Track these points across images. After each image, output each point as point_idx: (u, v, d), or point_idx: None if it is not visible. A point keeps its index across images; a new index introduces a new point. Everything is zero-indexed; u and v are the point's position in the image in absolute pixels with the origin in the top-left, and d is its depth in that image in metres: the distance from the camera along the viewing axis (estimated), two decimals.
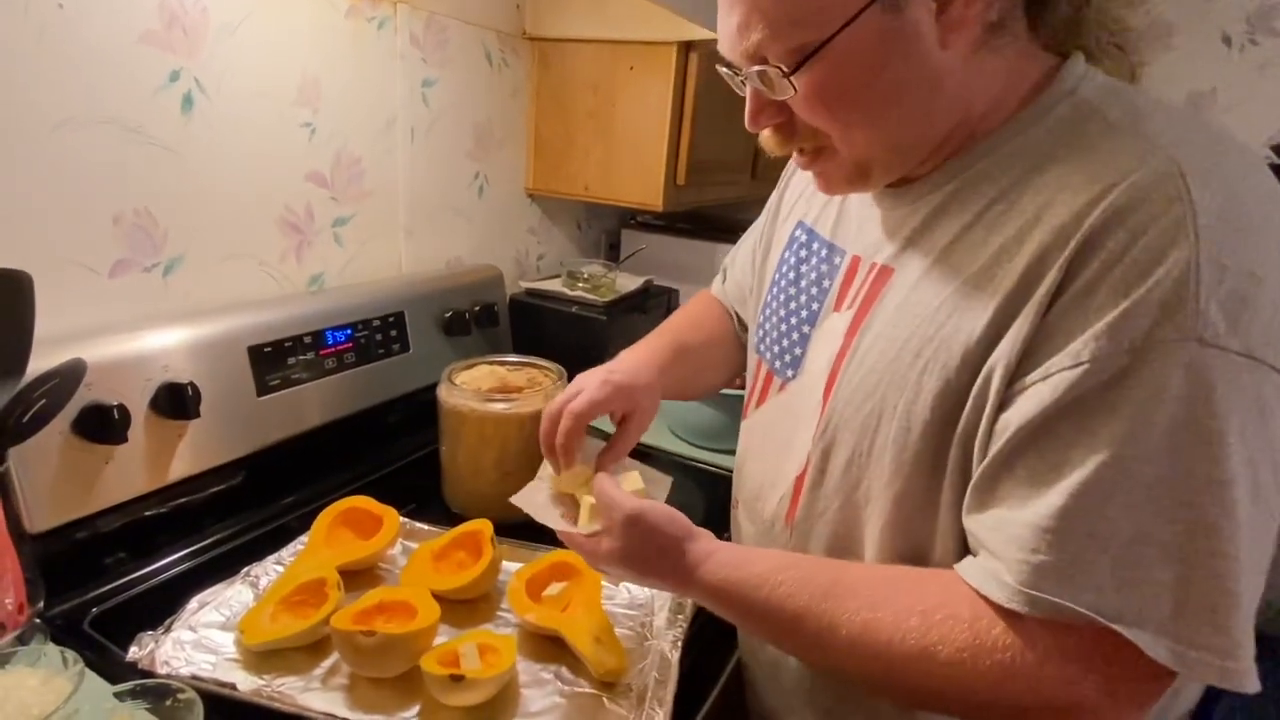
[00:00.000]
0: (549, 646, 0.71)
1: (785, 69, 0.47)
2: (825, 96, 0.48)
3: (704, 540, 0.57)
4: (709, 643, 0.76)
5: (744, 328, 0.85)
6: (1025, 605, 0.43)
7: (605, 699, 0.65)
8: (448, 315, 1.17)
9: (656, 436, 1.21)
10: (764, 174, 1.59)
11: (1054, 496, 0.43)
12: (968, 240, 0.50)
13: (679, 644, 0.71)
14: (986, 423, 0.47)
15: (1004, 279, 0.46)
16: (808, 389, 0.61)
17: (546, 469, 0.71)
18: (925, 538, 0.53)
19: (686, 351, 0.81)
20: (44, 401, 0.66)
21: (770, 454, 0.66)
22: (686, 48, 1.23)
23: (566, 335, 1.33)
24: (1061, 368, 0.43)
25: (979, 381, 0.47)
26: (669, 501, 0.63)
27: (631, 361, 0.75)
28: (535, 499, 0.68)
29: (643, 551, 0.58)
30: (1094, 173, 0.44)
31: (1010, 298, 0.46)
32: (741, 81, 0.52)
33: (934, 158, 0.53)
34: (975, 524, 0.48)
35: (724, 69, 0.54)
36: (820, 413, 0.59)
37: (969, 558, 0.49)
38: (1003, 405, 0.46)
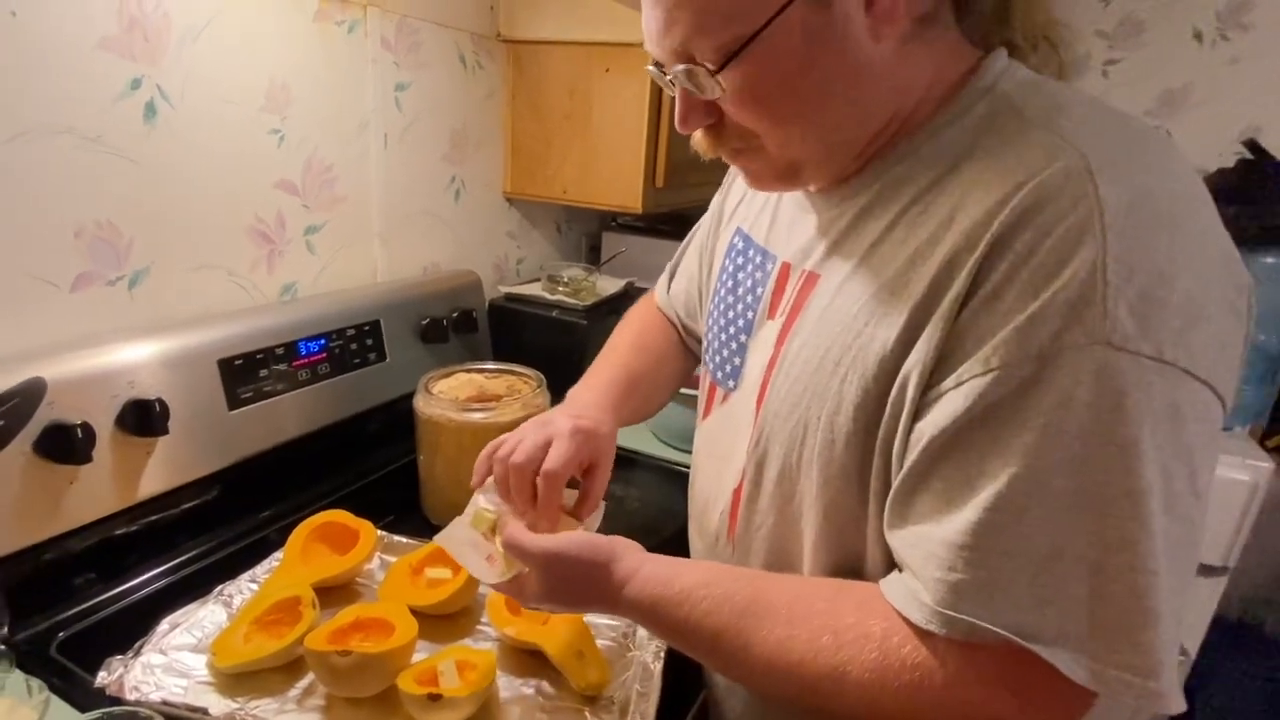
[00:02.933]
0: (530, 660, 0.70)
1: (711, 67, 0.45)
2: (754, 94, 0.46)
3: (629, 558, 0.55)
4: None
5: (691, 335, 0.83)
6: (942, 626, 0.42)
7: (587, 712, 0.64)
8: (425, 323, 1.15)
9: (637, 439, 1.20)
10: None
11: (969, 512, 0.41)
12: (888, 242, 0.49)
13: (661, 655, 0.70)
14: (903, 431, 0.45)
15: (917, 283, 0.45)
16: (745, 400, 0.60)
17: (473, 507, 0.66)
18: (857, 550, 0.52)
19: (637, 380, 0.78)
20: (2, 423, 0.64)
21: (713, 467, 0.65)
22: None
23: (547, 340, 1.32)
24: (972, 374, 0.42)
25: (894, 389, 0.46)
26: (602, 528, 0.63)
27: (590, 403, 0.72)
28: (458, 537, 0.64)
29: (568, 586, 0.56)
30: (1005, 171, 0.43)
31: (923, 302, 0.44)
32: (670, 81, 0.50)
33: (864, 156, 0.51)
34: (895, 540, 0.47)
35: (653, 69, 0.52)
36: (753, 424, 0.57)
37: (894, 574, 0.48)
38: (917, 413, 0.45)
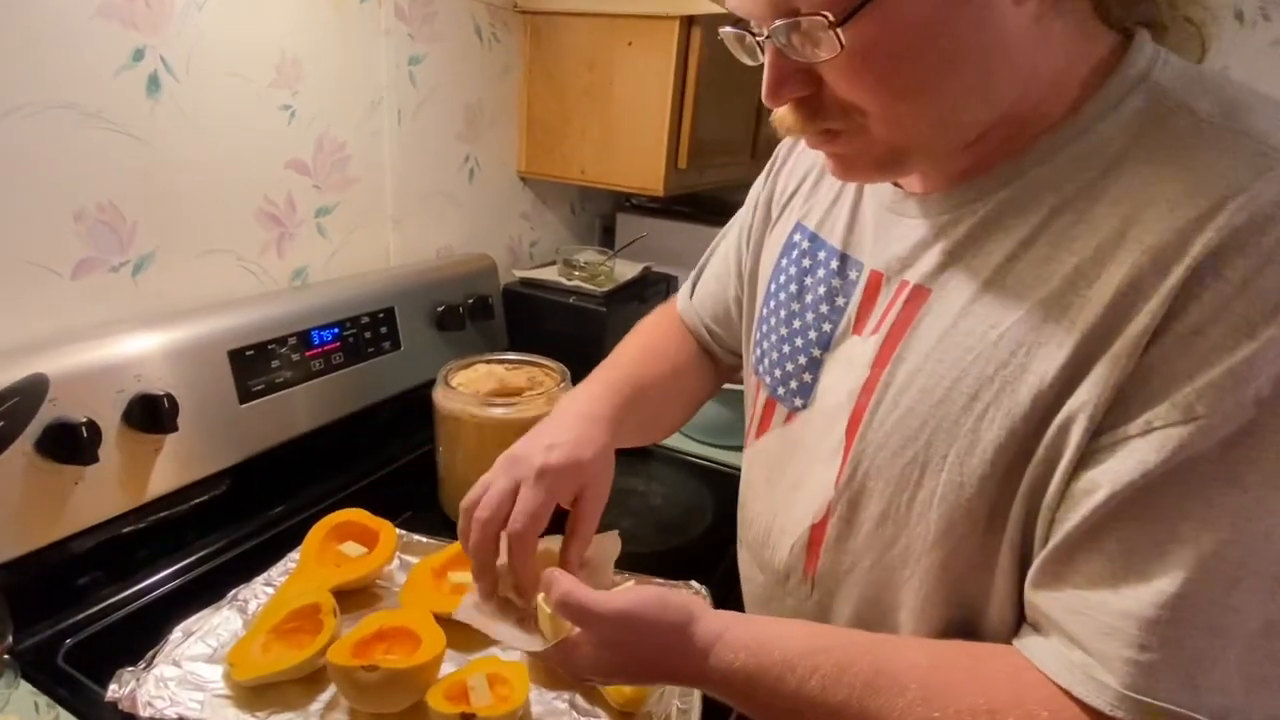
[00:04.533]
0: (562, 672, 0.66)
1: (831, 18, 0.37)
2: (874, 57, 0.39)
3: (708, 618, 0.48)
4: None
5: (720, 345, 0.75)
6: (1134, 713, 0.37)
7: None
8: (440, 309, 1.11)
9: None
10: (764, 153, 1.52)
11: (1163, 581, 0.36)
12: (1029, 259, 0.42)
13: None
14: (1061, 479, 0.40)
15: (1083, 309, 0.39)
16: (823, 423, 0.53)
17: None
18: (977, 605, 0.46)
19: (644, 389, 0.69)
20: (2, 423, 0.59)
21: (778, 494, 0.58)
22: (689, 22, 1.16)
23: (564, 327, 1.27)
24: (1167, 422, 0.36)
25: (1052, 430, 0.40)
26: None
27: (573, 423, 0.62)
28: (481, 608, 0.56)
29: (636, 654, 0.48)
30: (1193, 183, 0.38)
31: (1093, 332, 0.39)
32: (757, 44, 0.42)
33: (975, 151, 0.45)
34: (1047, 602, 0.41)
35: (731, 29, 0.44)
36: (843, 455, 0.51)
37: (1037, 639, 0.42)
38: (1083, 460, 0.39)
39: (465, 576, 0.74)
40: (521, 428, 0.87)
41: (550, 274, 1.35)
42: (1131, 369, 0.37)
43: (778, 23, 0.39)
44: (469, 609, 0.57)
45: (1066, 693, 0.39)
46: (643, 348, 0.74)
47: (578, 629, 0.50)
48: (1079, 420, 0.39)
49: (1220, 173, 0.37)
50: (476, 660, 0.65)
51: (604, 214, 1.66)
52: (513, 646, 0.54)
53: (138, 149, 0.78)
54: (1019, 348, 0.42)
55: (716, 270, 0.75)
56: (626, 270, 1.39)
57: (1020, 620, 0.44)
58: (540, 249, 1.49)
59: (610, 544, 0.59)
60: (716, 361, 0.78)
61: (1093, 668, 0.38)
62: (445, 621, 0.67)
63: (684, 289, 0.80)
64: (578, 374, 0.97)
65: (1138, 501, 0.37)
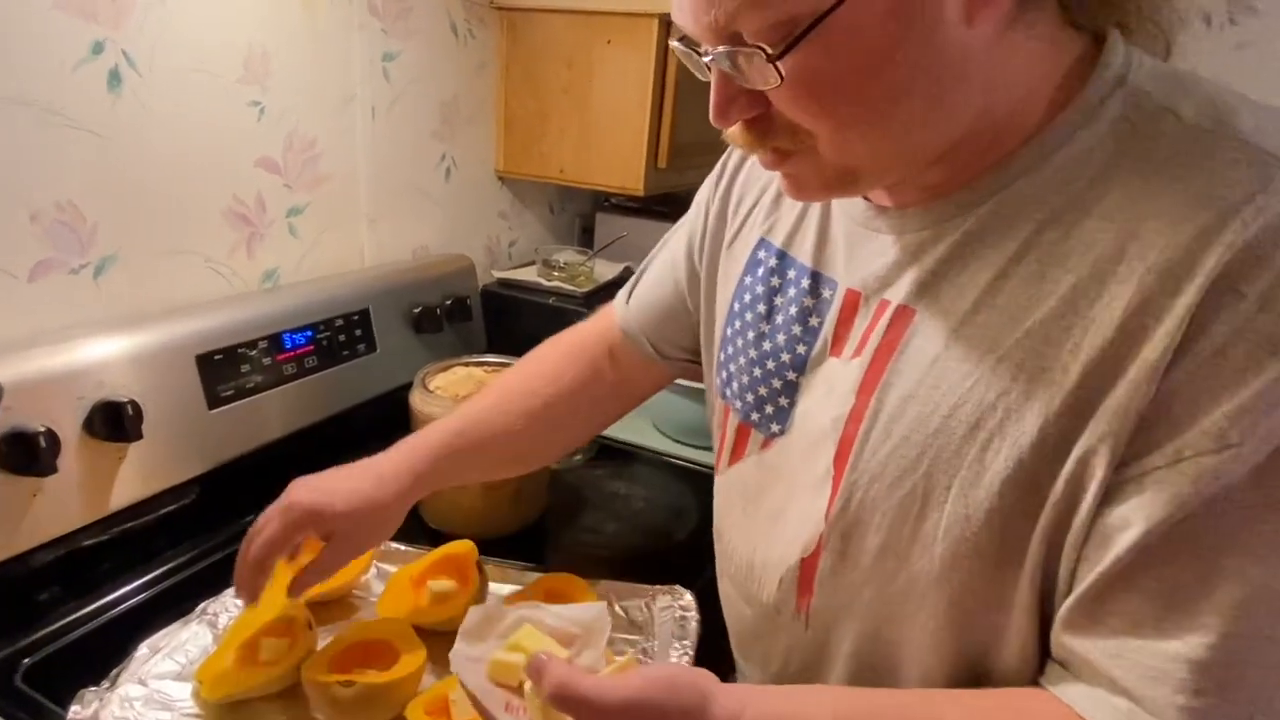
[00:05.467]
0: None
1: (768, 50, 0.36)
2: (818, 87, 0.38)
3: (721, 698, 0.44)
4: (713, 668, 0.71)
5: (661, 353, 0.71)
6: None
7: None
8: (417, 311, 1.09)
9: (640, 434, 1.15)
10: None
11: (1211, 619, 0.35)
12: (1020, 276, 0.41)
13: (685, 664, 0.66)
14: (1086, 515, 0.38)
15: (1087, 331, 0.38)
16: (805, 451, 0.51)
17: (469, 628, 0.52)
18: (989, 639, 0.44)
19: (483, 440, 0.69)
20: None
21: (757, 525, 0.55)
22: (668, 21, 1.15)
23: (545, 330, 1.23)
24: (1199, 451, 0.35)
25: (1071, 463, 0.38)
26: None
27: (356, 473, 0.65)
28: (477, 671, 0.50)
29: None
30: (1193, 194, 0.36)
31: (1101, 357, 0.37)
32: (706, 64, 0.41)
33: (946, 166, 0.43)
34: (1083, 646, 0.40)
35: (679, 45, 0.42)
36: (833, 486, 0.48)
37: (1076, 685, 0.40)
38: (1109, 495, 0.38)
39: (446, 585, 0.72)
40: None
41: (529, 274, 1.33)
42: (1153, 395, 0.36)
43: (718, 48, 0.38)
44: (462, 664, 0.51)
45: None
46: (504, 390, 0.73)
47: None
48: (1100, 453, 0.37)
49: (1221, 183, 0.36)
50: None
51: (583, 214, 1.65)
52: None
53: (98, 146, 0.75)
54: (1020, 372, 0.40)
55: (659, 276, 0.71)
56: (606, 271, 1.37)
57: (1040, 658, 0.43)
58: (519, 249, 1.47)
59: (599, 619, 0.53)
60: (653, 367, 0.72)
61: (1139, 715, 0.37)
62: (425, 633, 0.65)
63: (620, 296, 0.75)
64: None
65: (1175, 537, 0.36)
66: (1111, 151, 0.39)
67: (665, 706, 0.42)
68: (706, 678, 0.45)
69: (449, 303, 1.14)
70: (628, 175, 1.25)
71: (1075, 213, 0.40)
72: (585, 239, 1.62)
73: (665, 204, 1.60)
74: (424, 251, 1.22)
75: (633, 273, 1.45)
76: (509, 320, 1.28)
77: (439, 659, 0.65)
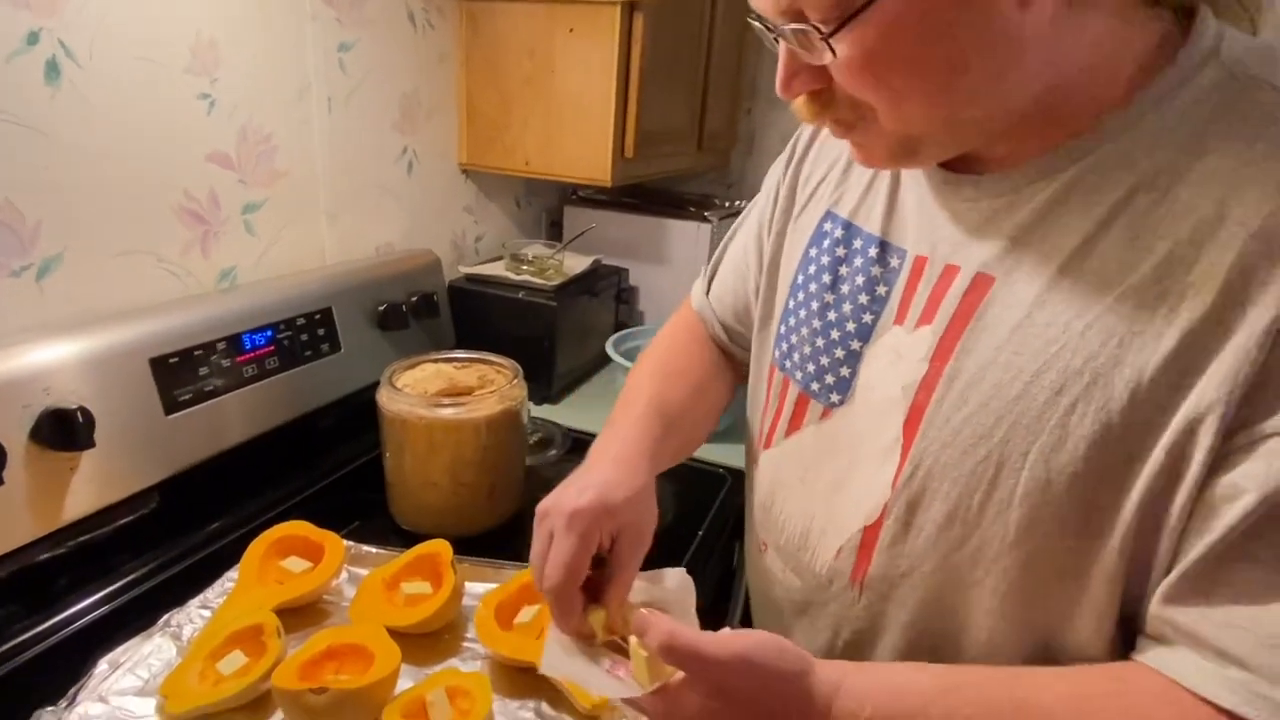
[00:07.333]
0: (525, 679, 0.64)
1: (823, 29, 0.38)
2: (871, 64, 0.39)
3: (821, 667, 0.44)
4: None
5: (738, 343, 0.73)
6: None
7: None
8: (381, 308, 1.06)
9: None
10: (709, 144, 1.52)
11: None
12: (1109, 241, 0.41)
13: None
14: (1192, 485, 0.38)
15: (1186, 297, 0.38)
16: (869, 420, 0.51)
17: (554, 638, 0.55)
18: (1061, 608, 0.44)
19: (672, 420, 0.65)
20: None
21: (816, 494, 0.56)
22: (631, 7, 1.14)
23: (515, 324, 1.24)
24: None
25: (1173, 433, 0.38)
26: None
27: (604, 467, 0.59)
28: (562, 657, 0.53)
29: (754, 706, 0.44)
30: None
31: (1203, 323, 0.37)
32: (775, 39, 0.43)
33: (1012, 138, 0.44)
34: (1189, 617, 0.39)
35: (755, 21, 0.45)
36: (900, 454, 0.49)
37: (1180, 655, 0.40)
38: (1217, 464, 0.37)
39: (421, 586, 0.71)
40: (474, 428, 0.84)
41: (497, 269, 1.31)
42: (1263, 361, 0.36)
43: (785, 25, 0.40)
44: (552, 659, 0.53)
45: (1229, 713, 0.37)
46: (662, 373, 0.71)
47: (678, 674, 0.46)
48: (1208, 421, 0.37)
49: None
50: (435, 674, 0.62)
51: (550, 207, 1.63)
52: (605, 696, 0.50)
53: (37, 142, 0.71)
54: (1110, 338, 0.40)
55: (735, 264, 0.72)
56: (576, 264, 1.36)
57: (1112, 631, 0.43)
58: (485, 244, 1.44)
59: (682, 584, 0.55)
60: (734, 361, 0.75)
61: (1257, 684, 0.36)
62: (400, 635, 0.64)
63: (698, 284, 0.77)
64: (531, 370, 0.94)
65: None
66: (1206, 119, 0.40)
67: (772, 667, 0.43)
68: (809, 656, 0.46)
69: (415, 299, 1.12)
70: (594, 166, 1.23)
71: (1169, 178, 0.40)
72: (554, 233, 1.61)
73: (634, 195, 1.59)
74: (388, 248, 1.19)
75: (603, 265, 1.45)
76: (478, 315, 1.26)
77: (414, 660, 0.64)
